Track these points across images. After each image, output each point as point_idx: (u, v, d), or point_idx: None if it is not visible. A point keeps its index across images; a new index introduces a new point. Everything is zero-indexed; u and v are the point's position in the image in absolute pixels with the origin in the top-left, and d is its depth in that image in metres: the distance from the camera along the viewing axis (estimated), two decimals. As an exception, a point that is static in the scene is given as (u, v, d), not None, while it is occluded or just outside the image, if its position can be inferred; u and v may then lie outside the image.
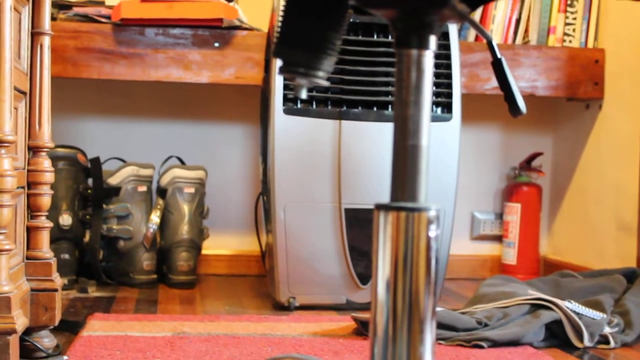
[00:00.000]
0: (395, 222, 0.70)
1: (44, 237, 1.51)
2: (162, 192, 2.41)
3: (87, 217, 2.34)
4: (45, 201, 1.51)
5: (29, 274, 1.49)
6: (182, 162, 2.55)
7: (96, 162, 2.36)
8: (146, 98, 2.64)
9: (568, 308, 1.73)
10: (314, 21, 0.73)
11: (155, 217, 2.37)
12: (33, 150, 1.51)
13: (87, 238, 2.35)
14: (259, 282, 2.51)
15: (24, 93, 1.46)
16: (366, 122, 2.05)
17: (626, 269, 2.15)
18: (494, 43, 0.93)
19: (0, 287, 1.19)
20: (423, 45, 0.70)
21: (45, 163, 1.50)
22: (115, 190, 2.35)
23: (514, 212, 2.69)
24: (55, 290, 1.49)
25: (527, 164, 2.72)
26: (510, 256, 2.70)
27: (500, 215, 2.80)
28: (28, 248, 1.50)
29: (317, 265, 2.08)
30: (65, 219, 2.26)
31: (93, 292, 2.26)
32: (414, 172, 0.71)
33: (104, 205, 2.35)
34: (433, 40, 0.71)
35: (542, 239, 2.78)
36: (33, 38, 1.50)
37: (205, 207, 2.46)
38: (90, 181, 2.38)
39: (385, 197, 1.96)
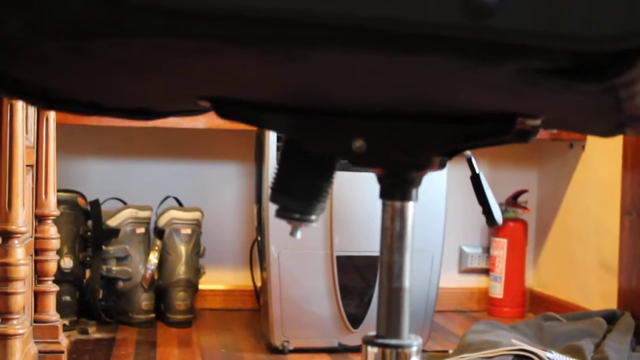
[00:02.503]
0: (381, 357, 0.78)
1: (51, 301, 1.59)
2: (159, 232, 2.49)
3: (88, 258, 2.42)
4: (52, 267, 1.58)
5: (37, 337, 1.56)
6: (179, 202, 2.63)
7: (95, 205, 2.44)
8: (144, 140, 2.72)
9: (549, 358, 1.82)
10: (307, 173, 0.81)
11: (153, 258, 2.45)
12: (39, 218, 1.58)
13: (87, 276, 2.42)
14: (253, 317, 2.59)
15: (31, 166, 1.54)
16: (356, 173, 2.13)
17: (607, 311, 2.24)
18: (473, 160, 1.01)
19: (14, 369, 1.27)
20: (406, 197, 0.79)
21: (52, 230, 1.58)
22: (115, 232, 2.43)
23: (501, 247, 2.78)
24: (62, 352, 1.57)
25: (513, 200, 2.80)
26: (497, 290, 2.79)
27: (487, 249, 2.88)
28: (35, 311, 1.58)
29: (310, 310, 2.17)
30: (67, 262, 2.34)
31: (93, 332, 2.33)
32: (397, 312, 0.79)
33: (104, 247, 2.43)
34: (415, 192, 0.79)
35: (527, 272, 2.87)
36: (39, 111, 1.58)
37: (202, 247, 2.54)
38: (90, 223, 2.45)
39: (375, 245, 2.04)
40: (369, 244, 2.15)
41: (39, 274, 1.57)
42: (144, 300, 2.43)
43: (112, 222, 2.44)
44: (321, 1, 0.51)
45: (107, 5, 0.56)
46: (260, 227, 2.27)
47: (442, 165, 0.82)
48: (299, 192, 0.81)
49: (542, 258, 2.88)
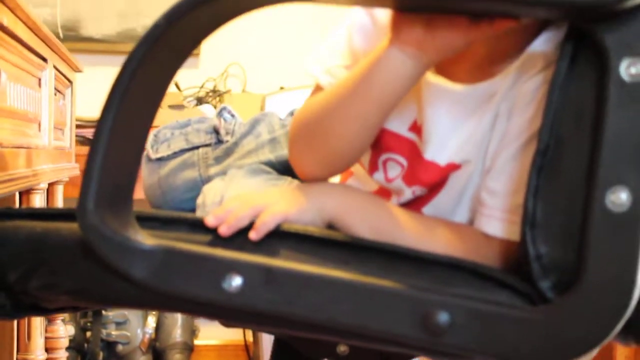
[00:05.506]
0: None
1: (61, 396, 1.71)
2: (156, 296, 2.61)
3: (88, 324, 2.54)
4: (61, 363, 1.71)
5: None
6: (175, 266, 2.75)
7: (96, 272, 2.56)
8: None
9: None
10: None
11: (151, 322, 2.58)
12: (49, 319, 1.71)
13: (87, 335, 2.55)
14: (246, 374, 2.73)
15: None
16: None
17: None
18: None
19: None
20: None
21: (61, 330, 1.71)
22: (114, 298, 2.55)
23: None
24: None
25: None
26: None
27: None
28: (46, 405, 1.70)
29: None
30: (68, 330, 2.45)
31: (95, 396, 2.46)
32: None
33: (103, 312, 2.55)
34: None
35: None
36: (48, 193, 1.70)
37: (197, 309, 2.67)
38: (90, 289, 2.57)
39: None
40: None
41: (49, 371, 1.69)
42: (143, 362, 2.56)
43: (111, 288, 2.56)
44: (314, 311, 0.65)
45: (136, 289, 0.70)
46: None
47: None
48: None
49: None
